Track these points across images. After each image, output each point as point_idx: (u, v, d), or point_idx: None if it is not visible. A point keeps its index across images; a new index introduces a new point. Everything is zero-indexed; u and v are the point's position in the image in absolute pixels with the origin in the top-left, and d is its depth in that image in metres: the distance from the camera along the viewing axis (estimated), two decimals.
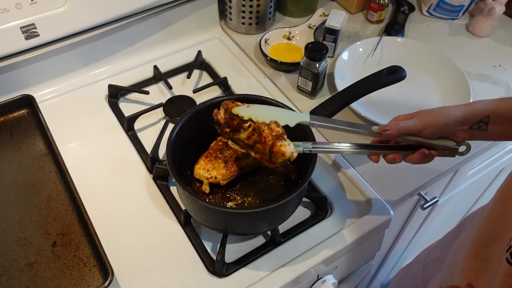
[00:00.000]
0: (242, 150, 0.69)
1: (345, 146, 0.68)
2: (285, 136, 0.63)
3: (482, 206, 0.79)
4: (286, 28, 1.08)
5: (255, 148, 0.65)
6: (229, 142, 0.70)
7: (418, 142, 0.65)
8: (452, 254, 0.84)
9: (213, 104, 0.75)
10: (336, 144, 0.69)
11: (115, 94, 0.94)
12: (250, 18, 1.06)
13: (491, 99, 0.65)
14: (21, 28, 0.80)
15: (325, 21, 1.03)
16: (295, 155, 0.64)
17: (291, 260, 0.71)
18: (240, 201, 0.75)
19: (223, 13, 1.10)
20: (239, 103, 0.67)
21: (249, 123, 0.64)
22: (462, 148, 0.67)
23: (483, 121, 0.64)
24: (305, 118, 0.66)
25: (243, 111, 0.65)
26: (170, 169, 0.66)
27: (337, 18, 0.99)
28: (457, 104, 0.67)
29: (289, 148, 0.63)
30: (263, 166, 0.79)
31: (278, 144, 0.62)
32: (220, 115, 0.67)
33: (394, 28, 1.10)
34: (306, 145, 0.66)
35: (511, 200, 0.65)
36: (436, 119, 0.63)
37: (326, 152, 0.69)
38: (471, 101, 0.64)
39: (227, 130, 0.66)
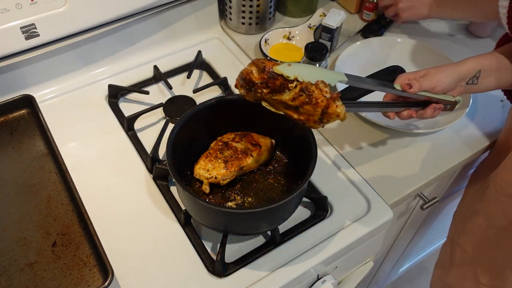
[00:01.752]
0: (279, 112, 0.64)
1: (366, 105, 0.74)
2: (339, 97, 0.61)
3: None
4: (286, 28, 1.08)
5: (302, 110, 0.61)
6: (264, 104, 0.64)
7: (427, 98, 0.73)
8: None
9: (213, 104, 0.75)
10: (359, 103, 0.73)
11: (115, 94, 0.94)
12: (250, 18, 1.06)
13: (476, 56, 0.76)
14: (21, 28, 0.80)
15: None
16: (347, 116, 0.62)
17: (291, 260, 0.71)
18: (240, 201, 0.75)
19: (223, 13, 1.10)
20: (277, 61, 0.61)
21: (295, 83, 0.59)
22: (458, 103, 0.79)
23: (476, 75, 0.75)
24: (343, 77, 0.64)
25: (287, 69, 0.59)
26: (170, 169, 0.66)
27: (334, 17, 0.99)
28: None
29: (343, 109, 0.61)
30: (262, 165, 0.80)
31: (334, 105, 0.60)
32: (254, 74, 0.60)
33: (372, 29, 1.09)
34: None
35: None
36: (445, 76, 0.73)
37: (351, 111, 0.71)
38: (461, 60, 0.77)
39: (264, 91, 0.60)
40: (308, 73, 0.60)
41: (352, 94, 0.76)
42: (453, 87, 0.75)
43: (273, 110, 0.64)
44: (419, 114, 0.75)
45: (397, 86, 0.72)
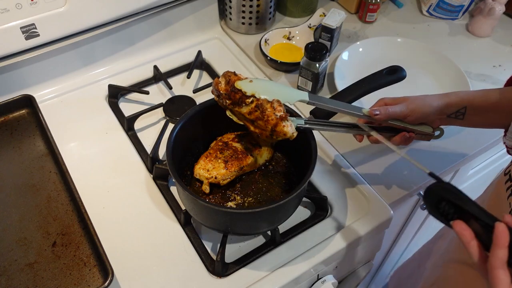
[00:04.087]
0: (240, 122, 0.69)
1: (334, 125, 0.73)
2: (288, 117, 0.65)
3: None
4: (286, 28, 1.08)
5: (256, 124, 0.66)
6: (227, 113, 0.69)
7: (400, 127, 0.70)
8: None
9: (213, 104, 0.75)
10: (326, 122, 0.73)
11: (115, 94, 0.94)
12: (250, 18, 1.06)
13: (467, 90, 0.71)
14: (21, 28, 0.80)
15: None
16: (295, 135, 0.66)
17: (291, 260, 0.71)
18: (240, 201, 0.75)
19: (223, 13, 1.10)
20: (241, 76, 0.66)
21: (251, 98, 0.64)
22: (436, 133, 0.74)
23: (460, 111, 0.70)
24: (305, 96, 0.67)
25: (246, 85, 0.65)
26: (170, 169, 0.66)
27: (334, 17, 0.99)
28: None
29: (291, 129, 0.65)
30: (262, 165, 0.79)
31: (282, 124, 0.64)
32: (221, 85, 0.66)
33: None
34: (299, 121, 0.69)
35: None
36: (420, 107, 0.69)
37: (316, 129, 0.71)
38: (449, 92, 0.72)
39: (227, 101, 0.66)
40: (266, 91, 0.65)
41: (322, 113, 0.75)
42: (430, 119, 0.71)
43: (235, 119, 0.69)
44: (389, 140, 0.70)
45: (364, 111, 0.69)
